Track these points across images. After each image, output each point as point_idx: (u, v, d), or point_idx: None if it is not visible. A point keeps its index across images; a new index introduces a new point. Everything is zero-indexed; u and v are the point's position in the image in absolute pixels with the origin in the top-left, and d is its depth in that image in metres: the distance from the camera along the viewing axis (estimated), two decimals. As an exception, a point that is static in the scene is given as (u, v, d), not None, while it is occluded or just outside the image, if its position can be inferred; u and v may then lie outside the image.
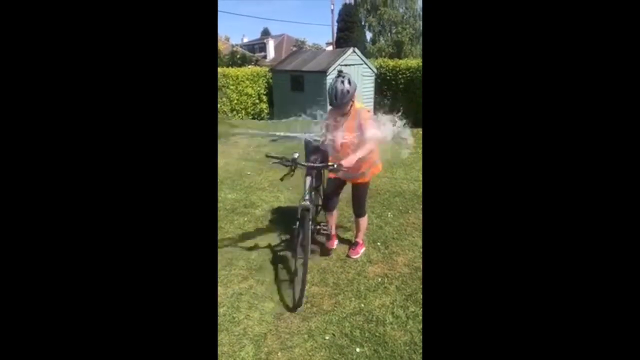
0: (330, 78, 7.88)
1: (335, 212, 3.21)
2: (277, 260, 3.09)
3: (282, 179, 2.73)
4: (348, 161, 2.48)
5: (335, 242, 3.28)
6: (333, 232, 3.26)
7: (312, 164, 2.74)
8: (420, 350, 2.11)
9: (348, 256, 3.12)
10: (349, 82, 2.57)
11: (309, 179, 2.76)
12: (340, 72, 2.70)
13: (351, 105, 2.67)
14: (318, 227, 3.23)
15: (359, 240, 3.18)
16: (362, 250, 3.18)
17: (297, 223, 2.64)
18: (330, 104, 2.65)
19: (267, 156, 2.77)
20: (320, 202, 3.31)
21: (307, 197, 2.68)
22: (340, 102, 2.58)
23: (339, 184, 3.04)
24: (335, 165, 2.55)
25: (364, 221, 3.13)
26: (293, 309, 2.48)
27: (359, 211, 3.09)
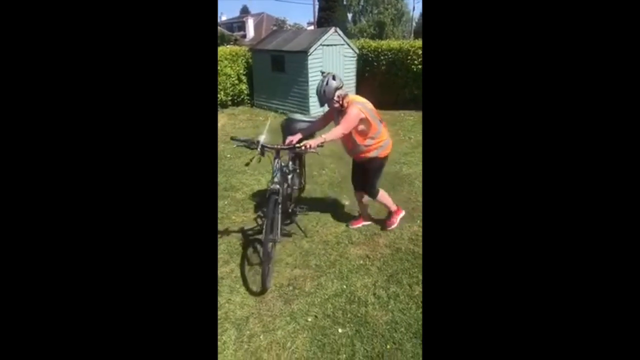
0: (312, 58, 7.73)
1: (360, 192, 3.21)
2: (257, 243, 3.06)
3: (247, 165, 2.74)
4: (313, 142, 2.61)
5: (360, 222, 3.32)
6: (364, 213, 3.32)
7: (275, 146, 2.72)
8: (401, 329, 2.15)
9: (384, 228, 3.23)
10: (326, 83, 2.69)
11: (276, 161, 2.73)
12: (321, 72, 2.88)
13: (341, 101, 2.76)
14: (297, 208, 3.21)
15: (392, 209, 3.23)
16: (398, 216, 3.26)
17: (266, 207, 2.59)
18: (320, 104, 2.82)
19: (232, 139, 2.76)
20: (300, 185, 3.28)
21: (275, 179, 2.63)
22: (324, 102, 2.75)
23: (354, 164, 3.16)
24: (304, 147, 2.60)
25: (381, 197, 3.15)
26: (261, 292, 2.47)
27: (370, 192, 3.12)
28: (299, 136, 2.88)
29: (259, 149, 2.64)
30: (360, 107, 2.74)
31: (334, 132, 2.70)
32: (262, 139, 2.68)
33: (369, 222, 3.33)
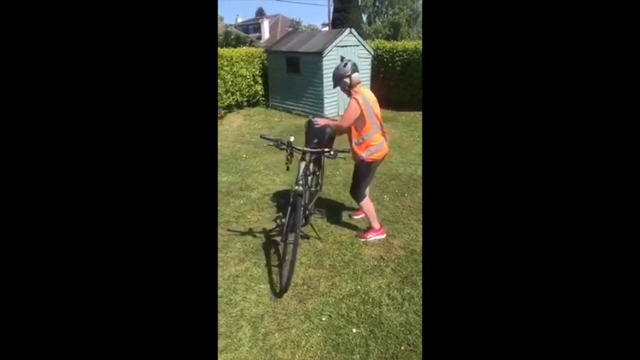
0: (326, 59, 7.75)
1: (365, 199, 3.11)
2: (273, 242, 3.09)
3: (287, 168, 2.78)
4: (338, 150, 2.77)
5: (369, 235, 3.13)
6: (375, 224, 3.12)
7: (305, 149, 2.75)
8: (416, 331, 2.14)
9: (356, 236, 3.16)
10: (337, 68, 2.89)
11: (303, 163, 2.75)
12: (341, 58, 3.08)
13: (348, 88, 2.88)
14: (314, 210, 3.23)
15: (373, 225, 3.11)
16: (372, 236, 3.10)
17: (289, 208, 2.62)
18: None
19: (262, 137, 2.82)
20: (319, 188, 3.30)
21: (300, 181, 2.65)
22: (335, 84, 2.93)
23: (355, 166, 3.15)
24: (332, 152, 2.67)
25: (364, 206, 3.06)
26: (280, 293, 2.48)
27: (354, 193, 3.10)
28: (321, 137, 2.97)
29: (288, 150, 2.70)
30: (361, 101, 2.79)
31: (334, 123, 2.93)
32: (293, 140, 2.74)
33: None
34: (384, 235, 3.14)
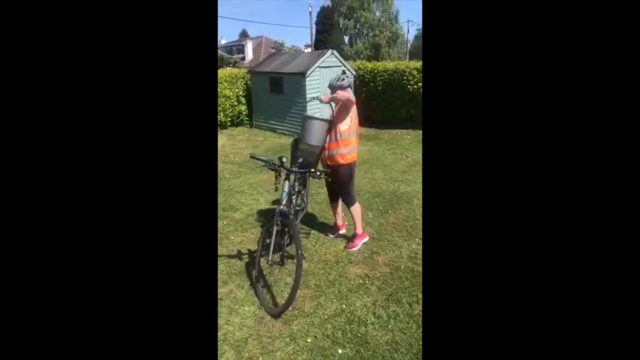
0: (309, 80, 7.88)
1: (337, 202, 3.39)
2: (257, 264, 3.05)
3: (276, 189, 2.84)
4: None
5: (342, 230, 3.52)
6: (339, 221, 3.52)
7: (293, 169, 2.77)
8: (402, 349, 2.12)
9: (346, 247, 3.26)
10: (345, 78, 3.01)
11: (287, 183, 2.76)
12: (343, 71, 3.28)
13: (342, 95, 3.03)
14: (298, 231, 3.22)
15: (357, 231, 3.28)
16: (361, 240, 3.29)
17: (274, 228, 2.60)
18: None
19: (252, 157, 2.77)
20: (303, 206, 3.30)
21: (284, 201, 2.66)
22: (333, 90, 3.00)
23: (330, 174, 3.23)
24: (318, 173, 2.74)
25: (354, 210, 3.22)
26: (278, 314, 2.44)
27: (345, 199, 3.22)
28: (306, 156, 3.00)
29: (280, 170, 2.72)
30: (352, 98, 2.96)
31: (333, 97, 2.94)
32: (285, 160, 2.76)
33: (344, 230, 3.53)
34: (368, 237, 3.36)
